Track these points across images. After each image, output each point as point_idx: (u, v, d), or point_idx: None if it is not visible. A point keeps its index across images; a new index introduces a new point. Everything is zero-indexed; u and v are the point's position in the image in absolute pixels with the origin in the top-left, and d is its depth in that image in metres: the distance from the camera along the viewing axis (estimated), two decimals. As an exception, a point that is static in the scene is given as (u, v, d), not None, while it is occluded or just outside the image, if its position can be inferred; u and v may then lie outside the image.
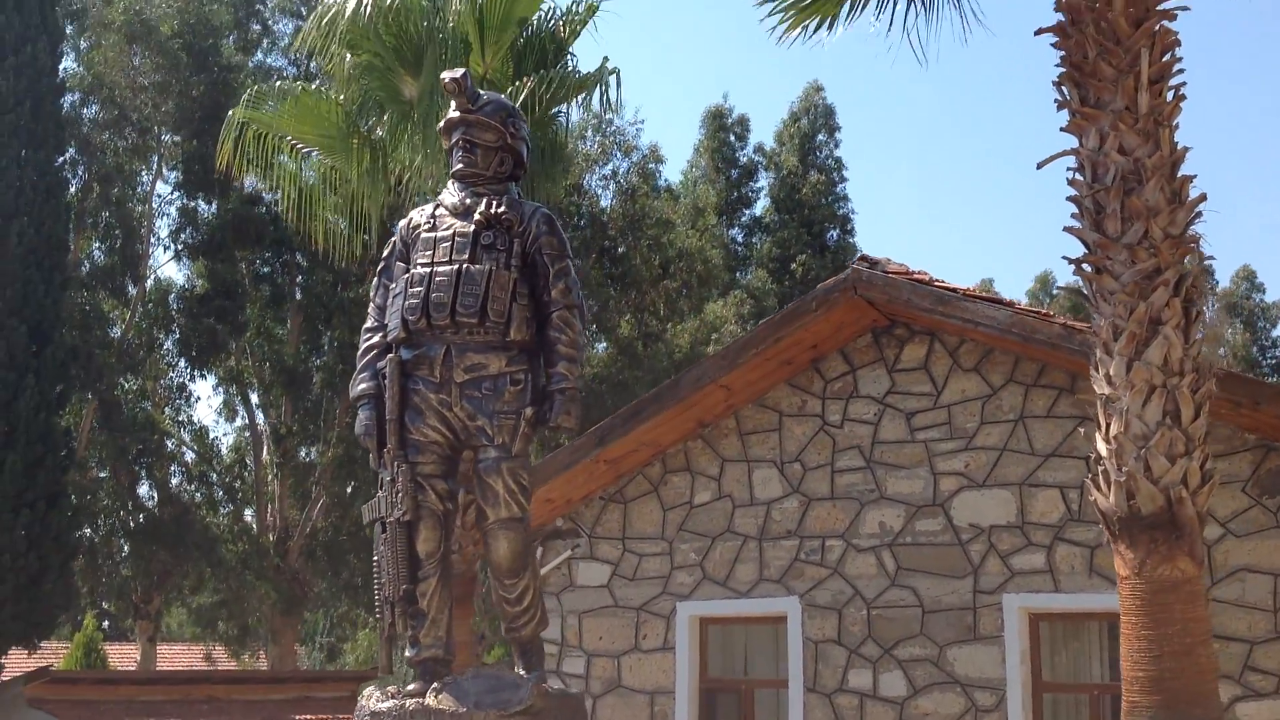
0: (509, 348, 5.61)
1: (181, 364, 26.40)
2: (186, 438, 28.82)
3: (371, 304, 5.93)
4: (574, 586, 11.95)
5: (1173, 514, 6.36)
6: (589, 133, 32.46)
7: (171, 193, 25.29)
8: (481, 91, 5.99)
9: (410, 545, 5.55)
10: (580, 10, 10.68)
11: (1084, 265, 6.77)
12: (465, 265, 5.58)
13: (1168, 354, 6.47)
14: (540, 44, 10.55)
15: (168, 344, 26.16)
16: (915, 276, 10.40)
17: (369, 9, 9.64)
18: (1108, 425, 6.59)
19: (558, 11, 10.76)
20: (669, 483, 11.70)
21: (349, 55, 10.21)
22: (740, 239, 39.94)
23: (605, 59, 10.40)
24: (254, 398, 28.09)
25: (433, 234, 5.74)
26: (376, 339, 5.79)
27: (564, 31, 10.67)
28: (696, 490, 11.58)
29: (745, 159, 39.70)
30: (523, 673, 5.71)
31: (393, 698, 5.46)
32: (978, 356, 10.57)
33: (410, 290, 5.64)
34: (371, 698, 5.52)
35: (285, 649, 29.45)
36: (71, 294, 22.54)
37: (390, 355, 5.65)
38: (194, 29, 23.40)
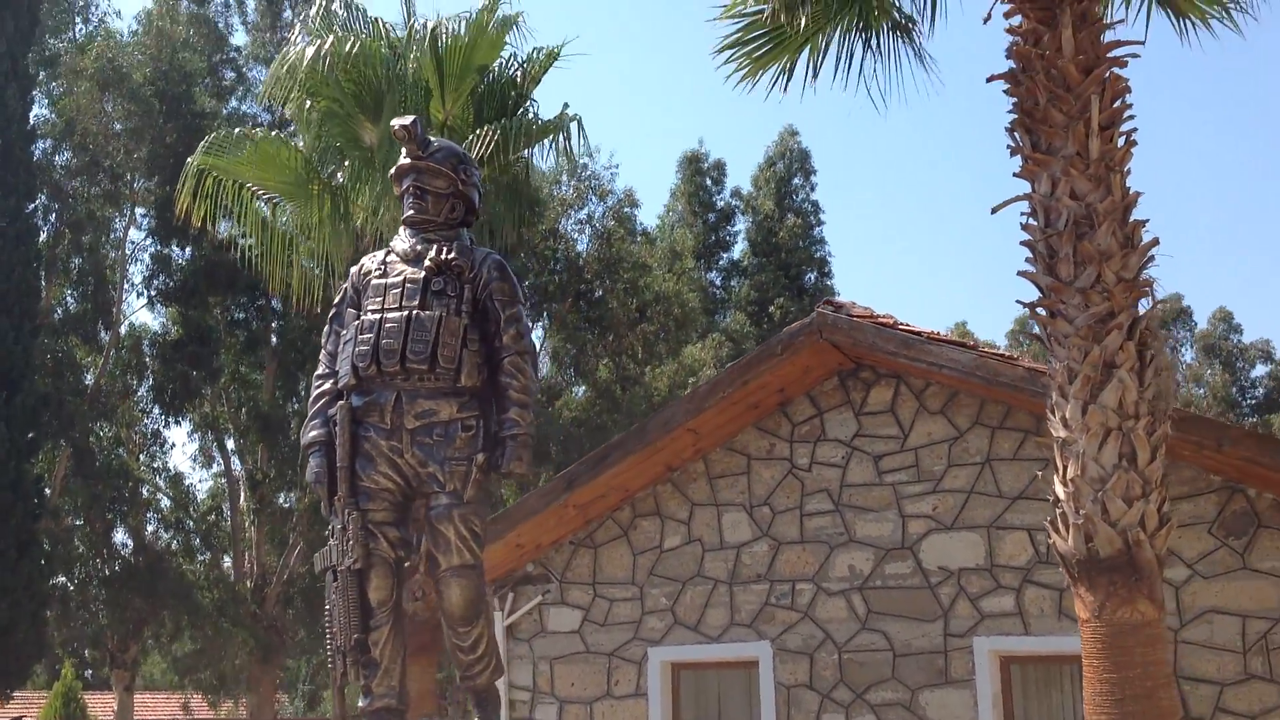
0: (460, 394, 5.57)
1: (155, 411, 26.28)
2: (162, 484, 28.64)
3: (323, 351, 5.91)
4: (545, 632, 11.87)
5: (1131, 556, 6.35)
6: (564, 177, 32.57)
7: (145, 239, 25.28)
8: (432, 138, 6.00)
9: (362, 593, 5.50)
10: (540, 58, 10.72)
11: (1039, 309, 6.79)
12: (415, 311, 5.56)
13: (1122, 397, 6.47)
14: (501, 91, 10.58)
15: (141, 390, 26.04)
16: (880, 320, 10.42)
17: (328, 57, 9.66)
18: (1065, 468, 6.58)
19: (519, 59, 10.82)
20: (639, 527, 11.65)
21: (309, 102, 10.22)
22: (718, 282, 40.06)
23: (565, 105, 10.50)
24: (230, 444, 27.96)
25: (383, 280, 5.72)
26: (328, 385, 5.75)
27: (523, 79, 10.71)
28: (666, 534, 11.53)
29: (722, 203, 39.88)
30: (477, 722, 5.66)
31: (343, 749, 5.39)
32: (943, 399, 10.57)
33: (360, 337, 5.61)
34: (322, 750, 5.45)
35: (264, 697, 29.18)
36: (44, 340, 22.44)
37: (341, 402, 5.61)
38: (166, 76, 23.42)
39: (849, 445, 10.88)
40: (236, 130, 10.99)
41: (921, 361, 10.11)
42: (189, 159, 10.72)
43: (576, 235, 32.81)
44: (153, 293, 25.26)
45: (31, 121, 21.26)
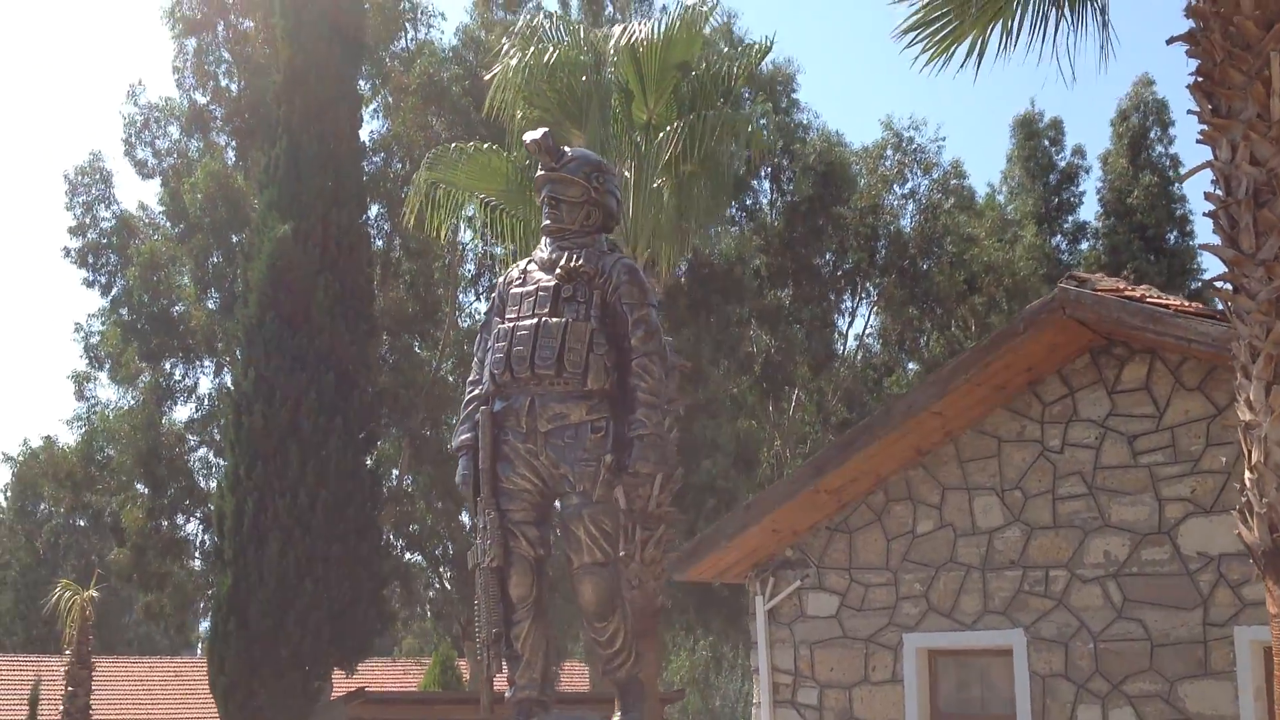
0: (589, 396, 5.75)
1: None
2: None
3: (475, 359, 6.22)
4: (804, 617, 11.92)
5: (1319, 549, 5.87)
6: (888, 151, 32.03)
7: (472, 239, 26.68)
8: (567, 149, 6.18)
9: (502, 590, 5.77)
10: (755, 54, 10.79)
11: (1221, 284, 6.35)
12: (544, 319, 5.78)
13: (1309, 376, 5.98)
14: (707, 87, 10.71)
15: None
16: (1126, 293, 9.91)
17: (527, 70, 10.04)
18: (1250, 453, 6.14)
19: (734, 54, 10.92)
20: (891, 512, 11.52)
21: (519, 113, 10.66)
22: (1064, 247, 38.28)
23: (760, 96, 10.44)
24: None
25: (522, 289, 5.97)
26: (477, 391, 6.04)
27: (731, 75, 10.79)
28: (919, 519, 11.36)
29: (1064, 163, 38.00)
30: (619, 714, 5.85)
31: (485, 737, 5.71)
32: (1201, 375, 9.94)
33: (496, 345, 5.89)
34: (471, 736, 5.79)
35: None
36: (384, 339, 24.12)
37: (484, 407, 5.90)
38: (482, 86, 24.66)
39: (1102, 425, 10.40)
40: (454, 145, 11.61)
41: (1169, 336, 9.56)
42: (415, 174, 11.42)
43: (900, 210, 32.19)
44: (480, 289, 26.71)
45: (362, 138, 22.88)
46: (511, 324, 5.86)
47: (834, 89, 58.26)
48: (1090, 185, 37.49)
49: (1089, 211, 36.86)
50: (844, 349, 32.54)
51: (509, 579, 5.78)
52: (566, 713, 5.81)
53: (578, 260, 5.90)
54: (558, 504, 5.80)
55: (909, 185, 32.04)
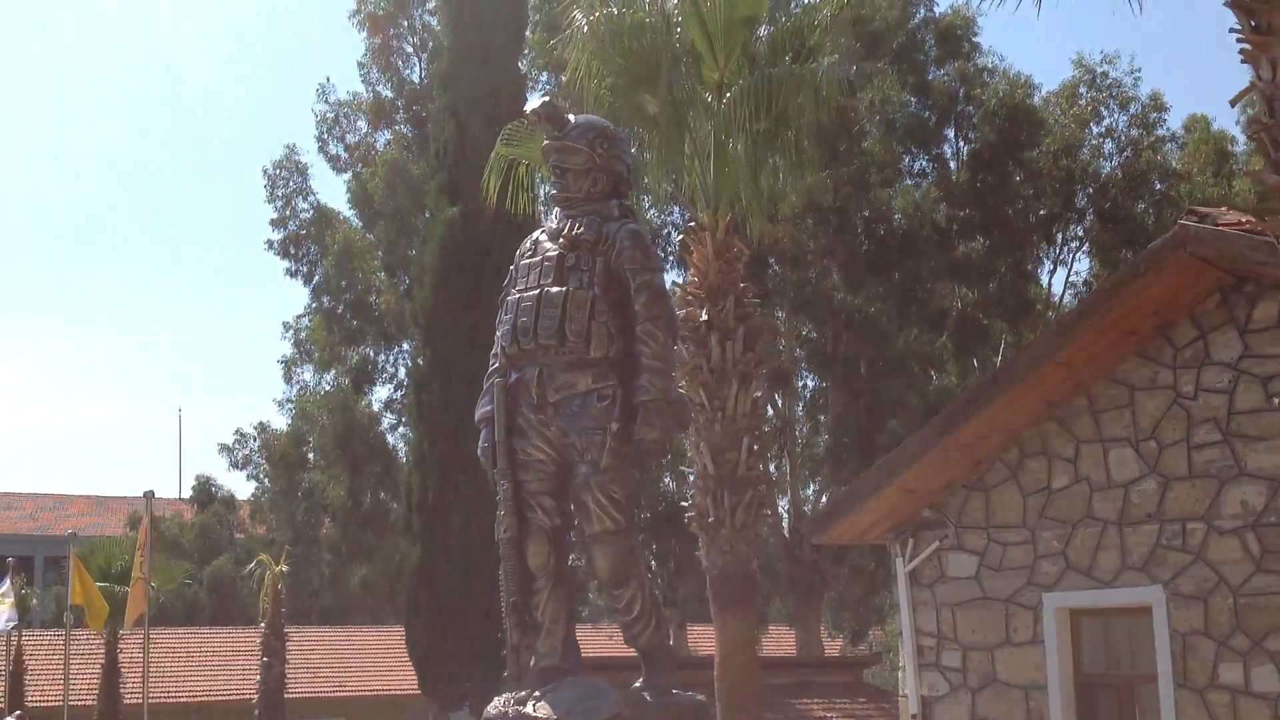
0: (594, 365, 5.72)
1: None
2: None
3: (497, 332, 6.25)
4: (945, 578, 11.62)
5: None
6: (1082, 89, 30.63)
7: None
8: (572, 117, 6.14)
9: (521, 560, 5.80)
10: (826, 13, 10.46)
11: (1266, 215, 5.90)
12: (546, 289, 5.78)
13: (1364, 307, 5.49)
14: (783, 43, 10.41)
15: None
16: (1248, 227, 9.28)
17: (584, 35, 9.93)
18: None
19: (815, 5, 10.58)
20: (1026, 468, 11.11)
21: (594, 81, 10.58)
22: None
23: (832, 54, 10.08)
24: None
25: (531, 260, 5.98)
26: (495, 365, 6.09)
27: (805, 30, 10.47)
28: (1054, 474, 10.92)
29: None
30: (639, 682, 5.82)
31: (505, 705, 5.75)
32: (1337, 309, 9.26)
33: (505, 317, 5.93)
34: (496, 704, 5.85)
35: (811, 634, 30.35)
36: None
37: (499, 379, 5.95)
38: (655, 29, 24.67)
39: (1235, 368, 9.80)
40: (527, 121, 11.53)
41: (1295, 270, 8.92)
42: (494, 151, 11.48)
43: (1099, 149, 30.70)
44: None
45: (523, 69, 22.98)
46: (518, 295, 5.89)
47: (1022, 31, 56.03)
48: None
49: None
50: (1046, 297, 31.32)
51: (526, 549, 5.80)
52: (587, 680, 5.79)
53: (579, 228, 5.87)
54: None
55: (1105, 123, 30.55)
